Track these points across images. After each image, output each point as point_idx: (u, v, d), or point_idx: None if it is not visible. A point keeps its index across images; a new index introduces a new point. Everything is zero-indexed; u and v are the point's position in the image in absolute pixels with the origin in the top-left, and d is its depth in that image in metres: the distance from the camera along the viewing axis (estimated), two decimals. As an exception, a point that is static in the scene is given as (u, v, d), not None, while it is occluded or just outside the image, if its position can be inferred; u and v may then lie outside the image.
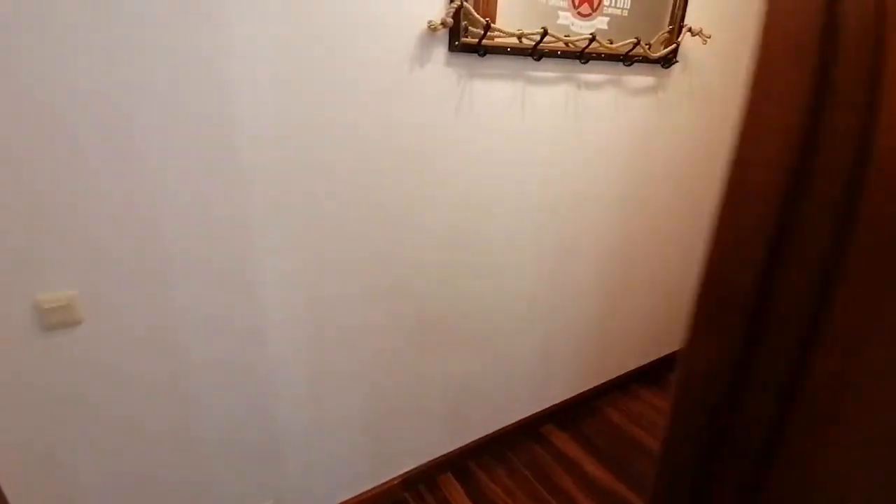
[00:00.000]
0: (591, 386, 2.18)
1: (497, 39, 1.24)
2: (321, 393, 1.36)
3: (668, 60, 1.63)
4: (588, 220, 1.74)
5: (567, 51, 1.38)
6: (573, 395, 2.11)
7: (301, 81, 1.03)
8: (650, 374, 2.41)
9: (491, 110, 1.33)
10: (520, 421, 1.95)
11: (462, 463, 1.82)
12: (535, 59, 1.33)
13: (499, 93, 1.33)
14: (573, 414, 2.11)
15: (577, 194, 1.66)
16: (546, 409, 2.03)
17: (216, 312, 1.11)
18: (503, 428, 1.90)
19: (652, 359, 2.40)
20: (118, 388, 1.05)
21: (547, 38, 1.28)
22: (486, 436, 1.86)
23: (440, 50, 1.18)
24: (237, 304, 1.13)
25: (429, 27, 1.13)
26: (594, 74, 1.50)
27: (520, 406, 1.94)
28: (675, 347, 2.50)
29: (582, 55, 1.40)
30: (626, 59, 1.51)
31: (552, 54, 1.36)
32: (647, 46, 1.52)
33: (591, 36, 1.34)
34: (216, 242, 1.05)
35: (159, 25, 0.86)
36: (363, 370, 1.42)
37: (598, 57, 1.45)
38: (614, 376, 2.26)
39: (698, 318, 0.59)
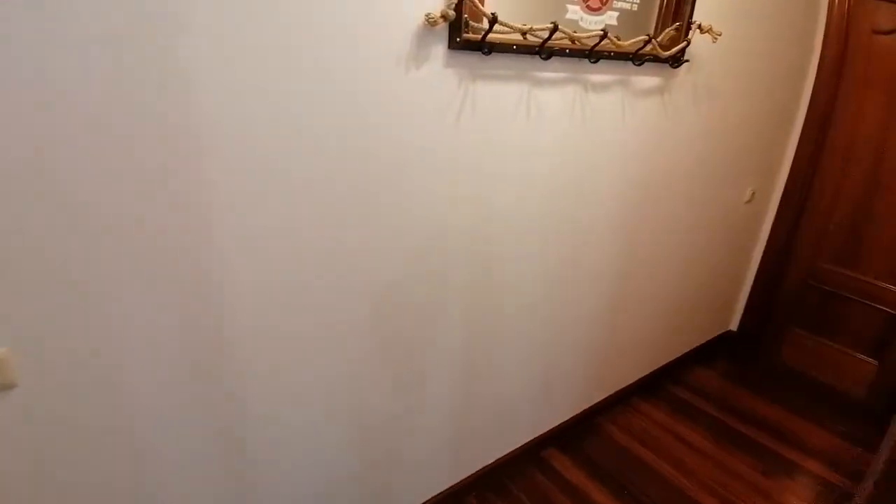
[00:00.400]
0: (593, 402, 2.06)
1: (501, 36, 1.09)
2: (318, 441, 1.19)
3: (677, 59, 1.51)
4: (592, 232, 1.61)
5: (574, 49, 1.24)
6: (575, 413, 1.99)
7: (260, 87, 0.85)
8: (649, 386, 2.31)
9: (495, 116, 1.18)
10: (520, 447, 1.81)
11: (460, 500, 1.67)
12: (544, 59, 1.19)
13: (504, 96, 1.18)
14: (575, 433, 1.99)
15: (581, 207, 1.52)
16: (547, 431, 1.90)
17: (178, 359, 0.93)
18: (503, 456, 1.77)
19: (651, 370, 2.31)
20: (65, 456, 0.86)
21: (555, 35, 1.13)
22: (485, 467, 1.71)
23: (439, 48, 1.02)
24: (203, 357, 0.95)
25: (427, 21, 0.97)
26: (602, 75, 1.37)
27: (520, 431, 1.80)
28: (674, 356, 2.41)
29: (591, 53, 1.27)
30: (636, 57, 1.38)
31: (560, 52, 1.21)
32: (658, 44, 1.39)
33: (602, 32, 1.21)
34: (172, 278, 0.87)
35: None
36: (351, 407, 1.25)
37: (608, 55, 1.32)
38: (616, 390, 2.15)
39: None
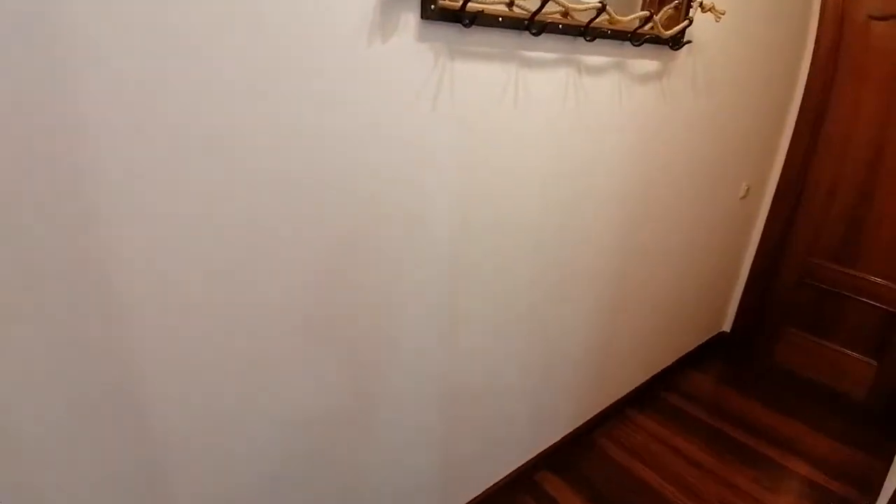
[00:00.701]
0: (587, 418, 1.91)
1: (484, 6, 0.92)
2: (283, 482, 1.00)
3: (677, 41, 1.36)
4: (590, 230, 1.45)
5: (568, 25, 1.07)
6: (569, 431, 1.84)
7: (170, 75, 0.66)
8: (644, 395, 2.17)
9: (479, 102, 1.00)
10: (511, 473, 1.64)
11: (447, 534, 1.50)
12: (534, 34, 1.01)
13: (488, 78, 1.00)
14: (569, 452, 1.84)
15: (578, 204, 1.36)
16: (541, 452, 1.73)
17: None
18: (493, 484, 1.59)
19: (645, 378, 2.17)
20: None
21: (547, 6, 0.96)
22: (474, 499, 1.54)
23: (410, 17, 0.84)
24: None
25: (393, -19, 0.78)
26: (598, 56, 1.20)
27: (511, 454, 1.64)
28: (669, 361, 2.28)
29: (587, 30, 1.10)
30: (635, 37, 1.22)
31: (552, 28, 1.04)
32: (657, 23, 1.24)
33: (600, 5, 1.04)
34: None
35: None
36: (322, 449, 1.06)
37: (605, 34, 1.15)
38: (611, 402, 2.01)
39: None
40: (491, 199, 1.13)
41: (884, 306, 2.08)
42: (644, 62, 1.33)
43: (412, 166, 0.94)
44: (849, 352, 2.22)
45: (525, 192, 1.20)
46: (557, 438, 1.79)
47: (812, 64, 2.07)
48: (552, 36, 1.07)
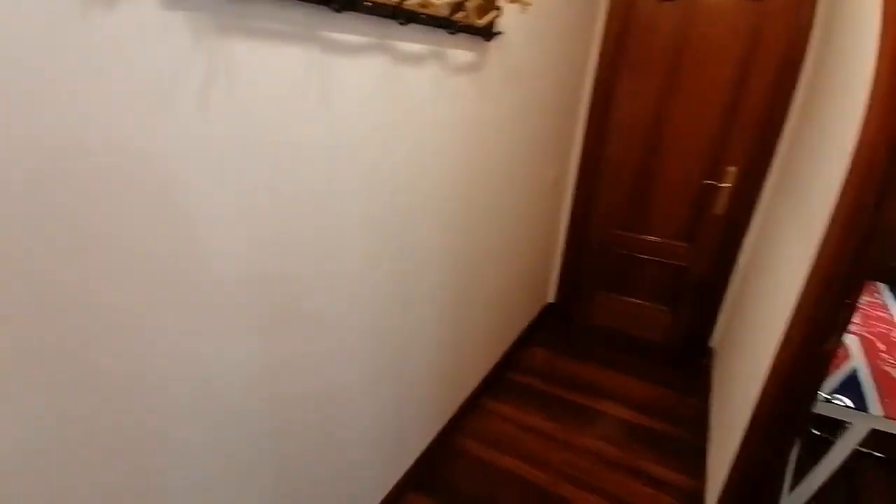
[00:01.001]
0: (446, 420, 1.85)
1: (264, -31, 0.69)
2: None
3: (489, 31, 1.31)
4: (425, 232, 1.34)
5: (377, 2, 0.91)
6: (431, 439, 1.75)
7: None
8: (494, 381, 2.22)
9: (270, 98, 0.78)
10: (377, 507, 1.49)
11: None
12: (335, 10, 0.82)
13: (281, 66, 0.78)
14: (433, 464, 1.76)
15: (410, 209, 1.23)
16: (405, 473, 1.61)
17: None
18: (358, 528, 1.42)
19: (494, 362, 2.22)
20: None
21: (349, -21, 0.78)
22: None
23: (146, -27, 0.57)
24: None
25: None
26: (415, 43, 1.07)
27: (371, 488, 1.47)
28: (510, 342, 2.38)
29: (399, 10, 0.95)
30: (450, 24, 1.12)
31: (358, 4, 0.87)
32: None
33: (410, -19, 0.90)
34: None
35: None
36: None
37: (420, 18, 1.02)
38: (465, 398, 1.99)
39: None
40: (300, 222, 0.92)
41: (672, 262, 2.47)
42: (461, 53, 1.25)
43: (168, 195, 0.67)
44: (649, 303, 2.61)
45: (343, 206, 1.02)
46: (420, 452, 1.69)
47: (601, 54, 2.29)
48: (361, 16, 0.89)
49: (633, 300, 2.64)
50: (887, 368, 1.35)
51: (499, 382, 2.24)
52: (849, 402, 1.20)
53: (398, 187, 1.15)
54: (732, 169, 2.19)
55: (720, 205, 2.26)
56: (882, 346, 1.47)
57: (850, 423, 1.25)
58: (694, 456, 1.88)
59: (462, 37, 1.22)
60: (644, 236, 2.50)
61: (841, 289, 0.95)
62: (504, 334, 2.28)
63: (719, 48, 2.08)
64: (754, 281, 1.92)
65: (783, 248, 1.51)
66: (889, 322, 1.64)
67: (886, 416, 1.16)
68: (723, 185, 2.22)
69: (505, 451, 1.87)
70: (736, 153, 2.17)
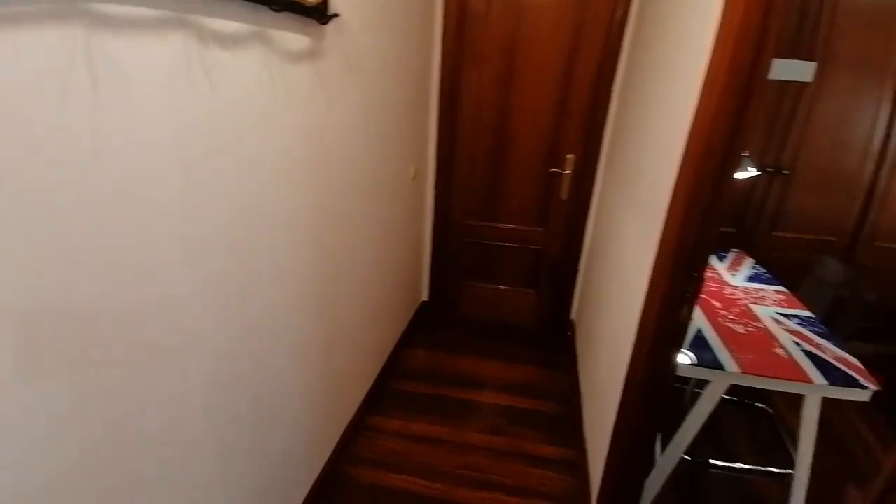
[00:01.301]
0: (330, 452, 1.66)
1: None
2: None
3: (322, 12, 1.14)
4: (277, 251, 1.13)
5: (166, -34, 0.69)
6: (314, 480, 1.55)
7: None
8: (377, 394, 2.08)
9: (6, 93, 0.52)
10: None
11: None
12: (99, -32, 0.59)
13: (24, 47, 0.53)
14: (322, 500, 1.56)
15: (256, 223, 1.02)
16: (284, 530, 1.39)
17: None
18: None
19: (375, 376, 2.07)
20: None
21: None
22: None
23: None
24: None
25: None
26: (228, 20, 0.86)
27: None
28: (390, 349, 2.25)
29: (201, -21, 0.74)
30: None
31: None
32: (297, -15, 0.99)
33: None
34: None
35: None
36: None
37: (230, -12, 0.82)
38: (348, 421, 1.81)
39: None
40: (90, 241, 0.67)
41: (528, 246, 2.58)
42: (292, 36, 1.07)
43: None
44: (514, 288, 2.70)
45: (156, 224, 0.78)
46: (302, 499, 1.48)
47: (443, 44, 2.26)
48: (142, -20, 0.67)
49: (500, 287, 2.72)
50: (729, 324, 1.55)
51: (382, 395, 2.11)
52: (694, 358, 1.33)
53: (234, 202, 0.94)
54: (571, 156, 2.36)
55: (564, 190, 2.42)
56: (718, 304, 1.69)
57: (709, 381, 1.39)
58: (571, 428, 1.99)
59: (292, 18, 1.04)
60: (502, 224, 2.57)
61: (687, 264, 1.03)
62: (383, 344, 2.15)
63: (548, 40, 2.20)
64: (601, 257, 2.08)
65: (622, 227, 1.64)
66: (719, 281, 1.90)
67: (743, 372, 1.31)
68: (565, 171, 2.38)
69: (396, 469, 1.75)
70: (573, 141, 2.34)
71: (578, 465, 1.79)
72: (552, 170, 2.40)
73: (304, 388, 1.39)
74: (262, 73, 0.98)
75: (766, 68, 0.92)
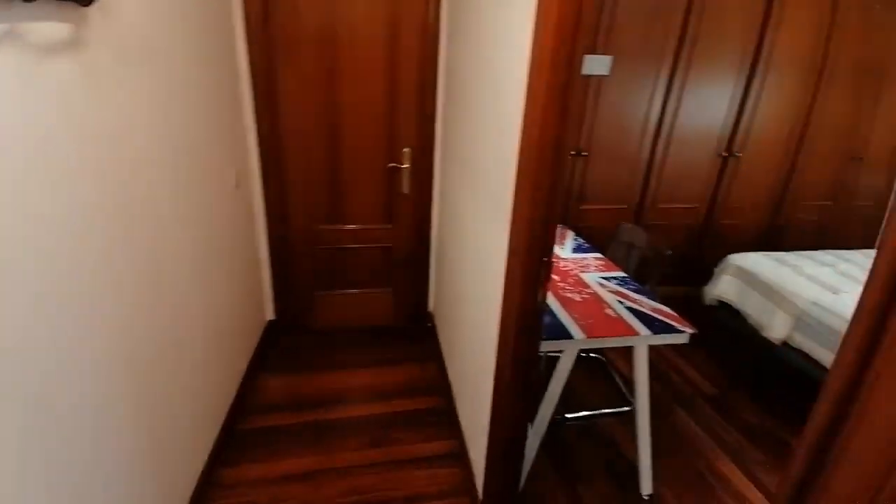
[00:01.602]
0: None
1: None
2: None
3: (84, -9, 0.88)
4: (77, 314, 0.86)
5: None
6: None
7: None
8: (227, 443, 1.81)
9: None
10: None
11: None
12: None
13: None
14: None
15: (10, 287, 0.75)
16: None
17: None
18: None
19: (221, 422, 1.79)
20: None
21: None
22: None
23: None
24: None
25: None
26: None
27: None
28: (237, 385, 1.98)
29: None
30: (0, -29, 0.68)
31: None
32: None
33: None
34: None
35: None
36: None
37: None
38: (196, 483, 1.53)
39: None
40: None
41: (376, 245, 2.51)
42: (50, 25, 0.80)
43: None
44: (369, 290, 2.61)
45: None
46: None
47: (247, 32, 2.00)
48: None
49: (354, 291, 2.61)
50: (568, 294, 1.71)
51: (234, 441, 1.84)
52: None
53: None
54: (407, 150, 2.35)
55: (405, 184, 2.40)
56: (556, 277, 1.85)
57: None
58: (447, 418, 2.01)
59: (47, 4, 0.78)
60: (346, 226, 2.46)
61: (540, 252, 1.08)
62: (225, 383, 1.86)
63: (366, 32, 2.12)
64: (452, 246, 2.13)
65: (468, 217, 1.69)
66: (553, 256, 2.09)
67: (588, 337, 1.44)
68: (403, 165, 2.36)
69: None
70: (407, 135, 2.33)
71: (460, 454, 1.82)
72: (391, 165, 2.36)
73: (120, 471, 1.11)
74: (13, 84, 0.71)
75: (580, 62, 1.00)
